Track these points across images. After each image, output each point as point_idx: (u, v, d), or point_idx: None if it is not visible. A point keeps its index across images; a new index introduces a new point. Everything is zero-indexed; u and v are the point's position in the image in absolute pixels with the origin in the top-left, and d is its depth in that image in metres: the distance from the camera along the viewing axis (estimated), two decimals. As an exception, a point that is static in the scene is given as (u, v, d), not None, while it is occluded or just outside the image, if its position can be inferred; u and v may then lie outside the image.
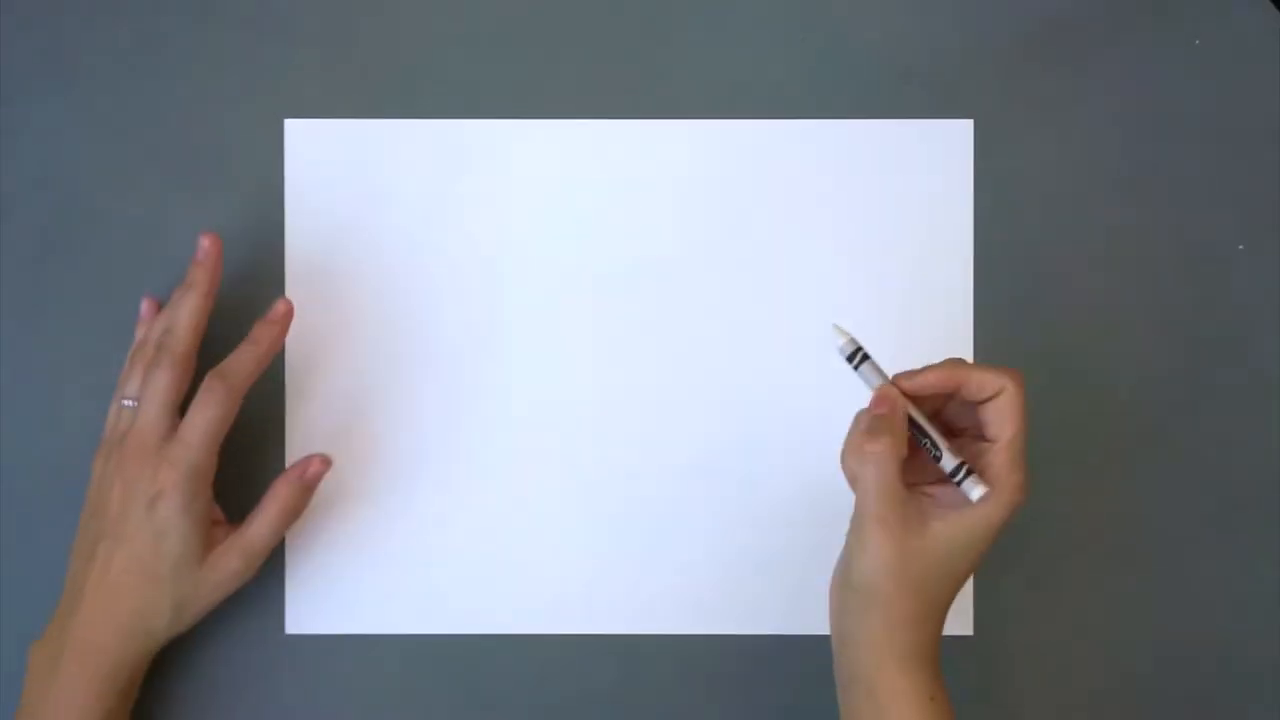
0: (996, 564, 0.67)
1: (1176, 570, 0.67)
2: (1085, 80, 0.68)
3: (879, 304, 0.68)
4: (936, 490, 0.58)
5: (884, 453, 0.56)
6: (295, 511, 0.64)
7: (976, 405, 0.58)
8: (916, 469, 0.58)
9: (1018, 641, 0.67)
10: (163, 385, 0.61)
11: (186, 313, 0.62)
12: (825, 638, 0.67)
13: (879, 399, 0.58)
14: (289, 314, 0.64)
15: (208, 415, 0.61)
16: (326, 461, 0.64)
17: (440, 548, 0.67)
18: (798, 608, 0.67)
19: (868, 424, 0.57)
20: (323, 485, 0.66)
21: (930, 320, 0.67)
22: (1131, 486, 0.68)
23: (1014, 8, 0.68)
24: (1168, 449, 0.68)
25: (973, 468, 0.56)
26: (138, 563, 0.60)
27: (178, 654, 0.66)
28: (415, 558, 0.67)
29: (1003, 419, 0.56)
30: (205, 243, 0.64)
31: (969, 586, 0.67)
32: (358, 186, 0.68)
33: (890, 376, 0.58)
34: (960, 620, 0.67)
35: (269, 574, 0.65)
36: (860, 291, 0.68)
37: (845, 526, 0.68)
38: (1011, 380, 0.56)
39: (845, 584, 0.58)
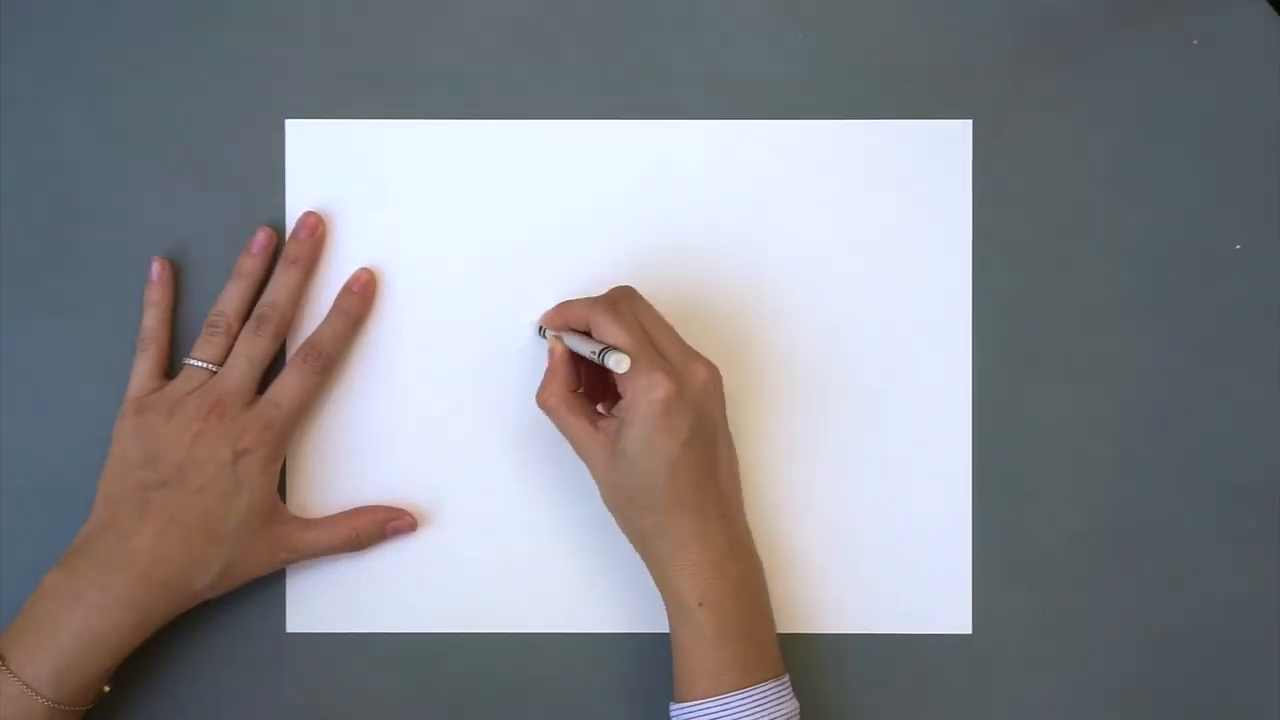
0: (996, 564, 0.67)
1: (1176, 570, 0.67)
2: (1084, 80, 0.68)
3: (879, 304, 0.68)
4: (617, 410, 0.61)
5: (553, 401, 0.63)
6: (361, 545, 0.66)
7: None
8: (612, 393, 0.63)
9: (1017, 641, 0.67)
10: (259, 351, 0.64)
11: (289, 288, 0.65)
12: (825, 636, 0.67)
13: (547, 351, 0.64)
14: (371, 282, 0.67)
15: (305, 382, 0.64)
16: (414, 526, 0.66)
17: (441, 547, 0.67)
18: (797, 607, 0.66)
19: (544, 377, 0.64)
20: (322, 483, 0.66)
21: (930, 320, 0.67)
22: (1131, 486, 0.68)
23: (1014, 8, 0.68)
24: (1168, 449, 0.68)
25: (614, 348, 0.60)
26: (200, 515, 0.62)
27: (178, 652, 0.66)
28: (416, 557, 0.67)
29: (613, 344, 0.60)
30: (311, 221, 0.66)
31: (968, 586, 0.67)
32: (358, 186, 0.68)
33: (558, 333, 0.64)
34: (959, 620, 0.67)
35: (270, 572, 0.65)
36: (860, 291, 0.68)
37: (849, 526, 0.68)
38: (593, 312, 0.61)
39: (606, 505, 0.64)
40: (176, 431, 0.63)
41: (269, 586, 0.66)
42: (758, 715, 0.60)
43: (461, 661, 0.67)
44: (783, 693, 0.61)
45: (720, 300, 0.67)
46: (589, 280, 0.67)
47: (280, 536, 0.64)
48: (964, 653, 0.67)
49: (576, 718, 0.67)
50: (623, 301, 0.62)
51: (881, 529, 0.67)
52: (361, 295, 0.66)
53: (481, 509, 0.67)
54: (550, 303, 0.66)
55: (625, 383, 0.60)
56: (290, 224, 0.67)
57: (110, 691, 0.63)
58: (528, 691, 0.67)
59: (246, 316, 0.65)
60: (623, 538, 0.66)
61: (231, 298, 0.65)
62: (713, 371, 0.61)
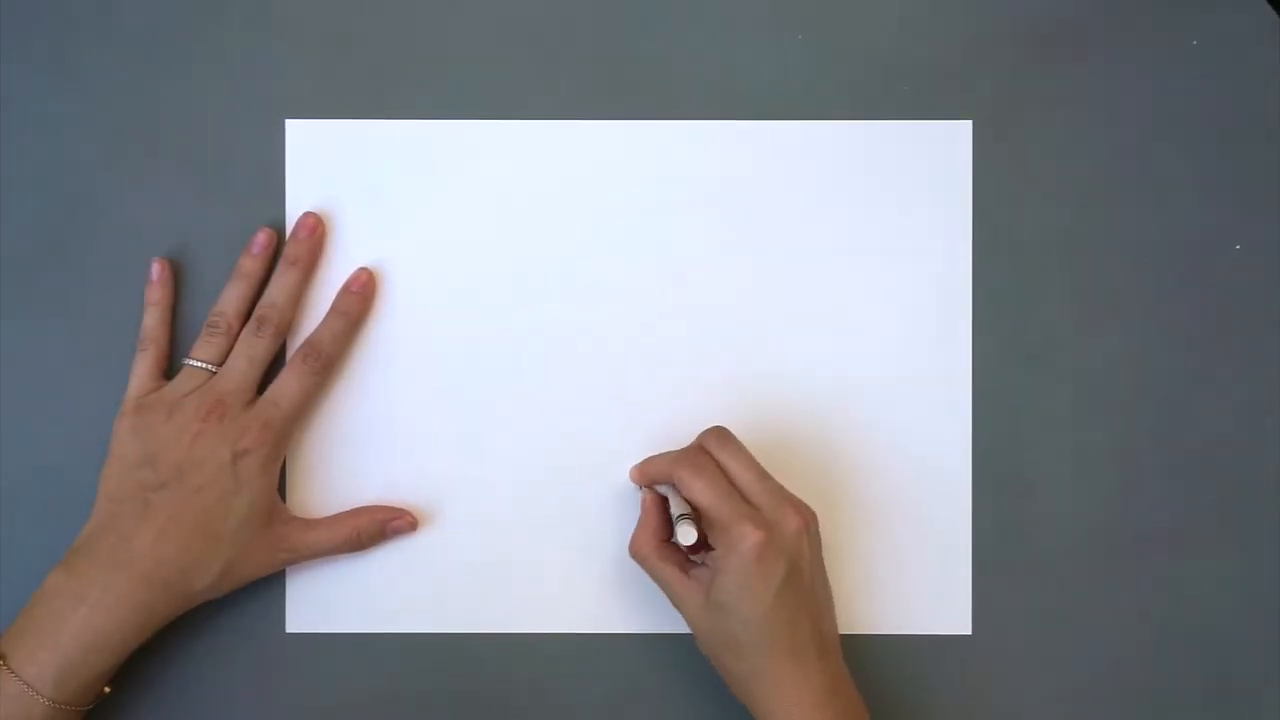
0: (996, 564, 0.67)
1: (1176, 570, 0.67)
2: (1084, 81, 0.68)
3: (879, 304, 0.68)
4: (710, 559, 0.61)
5: (645, 552, 0.63)
6: (361, 545, 0.66)
7: None
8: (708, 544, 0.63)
9: (1017, 641, 0.67)
10: (259, 351, 0.64)
11: (289, 288, 0.66)
12: (825, 637, 0.67)
13: (641, 503, 0.65)
14: (371, 282, 0.67)
15: (305, 383, 0.65)
16: (414, 526, 0.66)
17: (441, 547, 0.67)
18: (797, 607, 0.67)
19: (636, 528, 0.64)
20: (322, 483, 0.66)
21: (930, 320, 0.67)
22: (1131, 486, 0.68)
23: (1013, 8, 0.68)
24: (1168, 449, 0.68)
25: (691, 517, 0.61)
26: (200, 516, 0.62)
27: (178, 652, 0.66)
28: (416, 557, 0.67)
29: (695, 501, 0.61)
30: (310, 221, 0.66)
31: (968, 586, 0.67)
32: (359, 186, 0.68)
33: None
34: (959, 620, 0.67)
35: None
36: (860, 292, 0.68)
37: (852, 526, 0.68)
38: (676, 468, 0.62)
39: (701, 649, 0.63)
40: (176, 432, 0.63)
41: (269, 586, 0.66)
42: None
43: (461, 661, 0.67)
44: None
45: (720, 300, 0.67)
46: (588, 280, 0.67)
47: (280, 537, 0.64)
48: (964, 653, 0.67)
49: (576, 718, 0.67)
50: (704, 453, 0.62)
51: (881, 529, 0.67)
52: (361, 295, 0.66)
53: (481, 509, 0.67)
54: (554, 304, 0.66)
55: (715, 536, 0.60)
56: (290, 224, 0.67)
57: (110, 691, 0.63)
58: (528, 691, 0.67)
59: (247, 317, 0.65)
60: (622, 538, 0.66)
61: (231, 298, 0.65)
62: (805, 516, 0.61)
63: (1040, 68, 0.68)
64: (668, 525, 0.64)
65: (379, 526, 0.66)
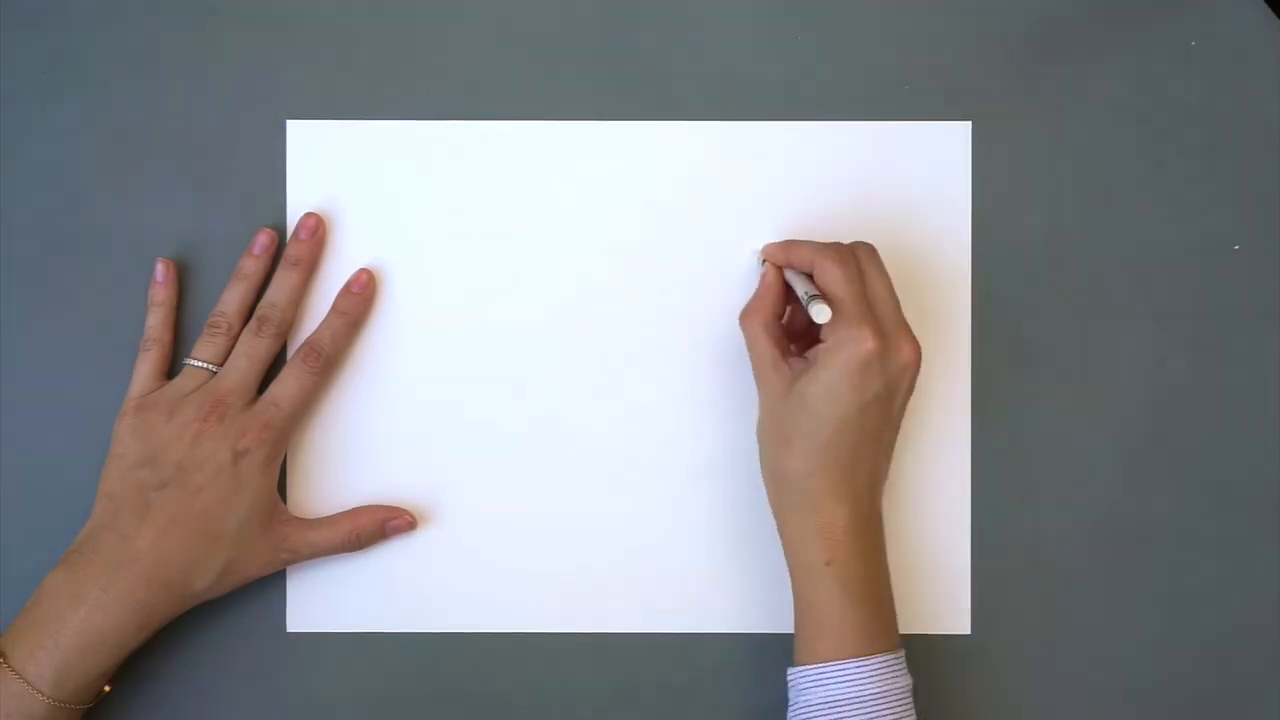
0: (996, 564, 0.67)
1: (1176, 570, 0.67)
2: (1083, 81, 0.68)
3: (879, 304, 0.68)
4: (811, 352, 0.62)
5: (754, 324, 0.63)
6: (360, 545, 0.66)
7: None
8: (810, 338, 0.63)
9: (1017, 641, 0.67)
10: (260, 351, 0.64)
11: (289, 289, 0.66)
12: (825, 637, 0.67)
13: (761, 277, 0.65)
14: (371, 283, 0.67)
15: (305, 383, 0.65)
16: (413, 525, 0.66)
17: (441, 547, 0.67)
18: (797, 607, 0.67)
19: (751, 297, 0.64)
20: (322, 483, 0.67)
21: (930, 320, 0.67)
22: (1131, 486, 0.68)
23: (1013, 9, 0.68)
24: (1168, 449, 0.68)
25: (824, 296, 0.61)
26: (201, 516, 0.62)
27: (178, 652, 0.66)
28: (416, 556, 0.67)
29: (829, 290, 0.61)
30: (311, 222, 0.66)
31: (967, 587, 0.67)
32: (359, 187, 0.68)
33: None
34: (959, 620, 0.67)
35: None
36: (860, 291, 0.68)
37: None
38: (819, 255, 0.62)
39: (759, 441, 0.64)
40: (176, 432, 0.63)
41: (269, 586, 0.66)
42: (876, 684, 0.59)
43: (461, 661, 0.67)
44: (899, 666, 0.61)
45: (720, 300, 0.67)
46: (588, 280, 0.67)
47: (280, 536, 0.64)
48: (963, 653, 0.67)
49: (576, 718, 0.67)
50: (855, 255, 0.62)
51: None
52: (361, 296, 0.66)
53: (481, 509, 0.67)
54: (554, 304, 0.67)
55: (829, 330, 0.60)
56: (291, 224, 0.67)
57: (110, 691, 0.63)
58: (528, 691, 0.67)
59: (247, 318, 0.65)
60: (622, 538, 0.66)
61: (232, 299, 0.65)
62: (917, 352, 0.61)
63: (1040, 68, 0.68)
64: (782, 307, 0.64)
65: (378, 526, 0.66)
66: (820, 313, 0.60)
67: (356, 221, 0.68)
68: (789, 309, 0.65)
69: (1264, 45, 0.68)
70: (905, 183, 0.68)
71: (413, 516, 0.66)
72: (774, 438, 0.62)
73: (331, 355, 0.66)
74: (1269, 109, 0.68)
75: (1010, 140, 0.68)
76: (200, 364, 0.64)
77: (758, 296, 0.64)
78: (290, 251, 0.66)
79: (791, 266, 0.64)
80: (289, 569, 0.67)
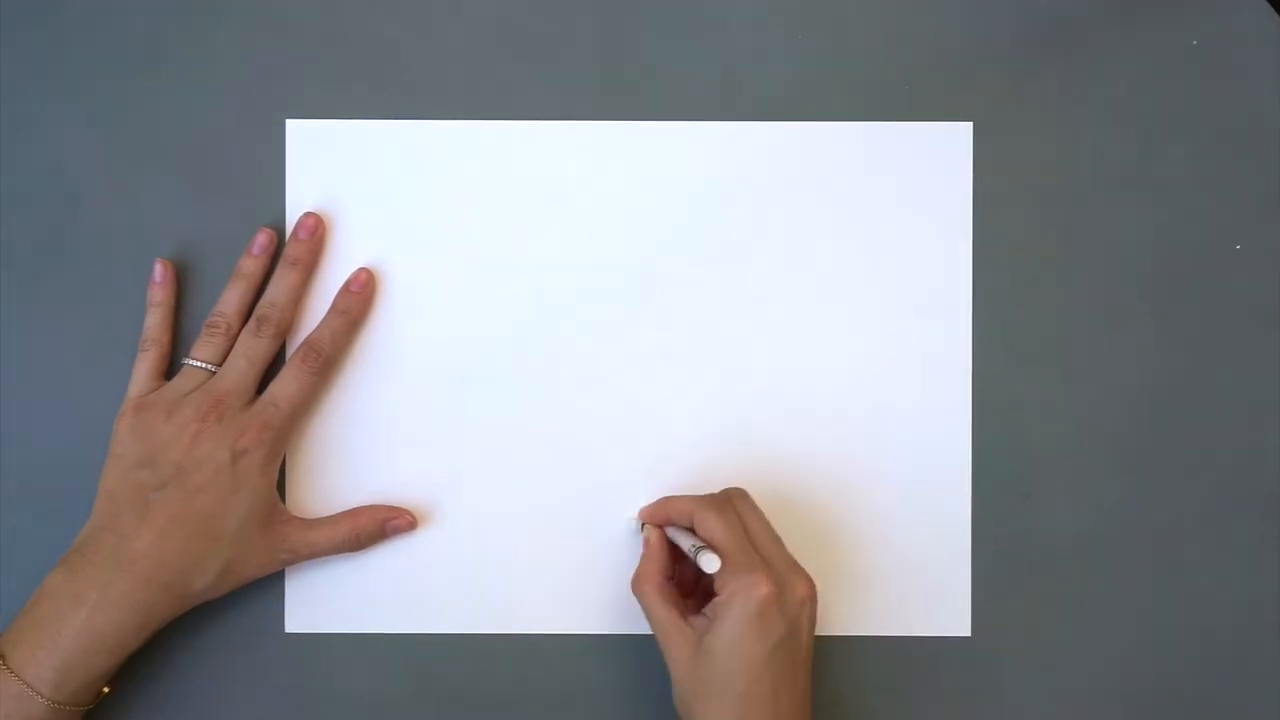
0: (996, 565, 0.67)
1: (1176, 570, 0.67)
2: (1084, 81, 0.68)
3: (879, 305, 0.68)
4: (709, 608, 0.61)
5: (646, 590, 0.62)
6: (360, 545, 0.66)
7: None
8: (703, 590, 0.63)
9: (1016, 641, 0.67)
10: (259, 351, 0.64)
11: (288, 289, 0.66)
12: (824, 638, 0.67)
13: (643, 541, 0.65)
14: (370, 282, 0.67)
15: (304, 382, 0.65)
16: (413, 525, 0.66)
17: (440, 547, 0.67)
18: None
19: (639, 563, 0.63)
20: (321, 483, 0.67)
21: (930, 320, 0.67)
22: (1131, 486, 0.68)
23: (1014, 9, 0.68)
24: (1168, 449, 0.68)
25: (710, 547, 0.60)
26: (200, 516, 0.62)
27: (178, 652, 0.66)
28: (415, 557, 0.67)
29: (713, 541, 0.61)
30: (310, 222, 0.66)
31: (966, 587, 0.67)
32: (359, 187, 0.68)
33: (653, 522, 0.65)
34: (959, 622, 0.67)
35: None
36: (860, 292, 0.68)
37: (849, 528, 0.68)
38: (697, 507, 0.62)
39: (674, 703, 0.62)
40: (175, 432, 0.63)
41: (269, 586, 0.66)
42: None
43: (461, 662, 0.67)
44: None
45: (720, 300, 0.67)
46: (588, 281, 0.67)
47: (280, 537, 0.64)
48: (963, 654, 0.67)
49: (576, 718, 0.67)
50: (730, 502, 0.62)
51: (881, 530, 0.67)
52: (360, 295, 0.66)
53: (481, 509, 0.67)
54: (554, 304, 0.67)
55: (723, 581, 0.60)
56: (290, 224, 0.67)
57: (110, 691, 0.63)
58: (527, 692, 0.67)
59: (247, 317, 0.65)
60: (622, 538, 0.66)
61: (231, 299, 0.65)
62: (811, 588, 0.61)
63: (1040, 68, 0.68)
64: (670, 566, 0.63)
65: (378, 526, 0.66)
66: (709, 562, 0.59)
67: (356, 221, 0.68)
68: (677, 567, 0.64)
69: (1264, 45, 0.68)
70: (905, 183, 0.68)
71: (413, 516, 0.66)
72: (688, 697, 0.60)
73: (331, 355, 0.66)
74: (1269, 109, 0.68)
75: (1010, 140, 0.68)
76: (199, 364, 0.64)
77: (644, 561, 0.63)
78: (289, 251, 0.66)
79: (671, 524, 0.64)
80: (288, 569, 0.67)
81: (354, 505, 0.67)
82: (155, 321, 0.66)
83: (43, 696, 0.59)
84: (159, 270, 0.66)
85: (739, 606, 0.59)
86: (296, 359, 0.65)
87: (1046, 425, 0.68)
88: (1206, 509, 0.68)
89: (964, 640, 0.67)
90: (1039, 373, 0.68)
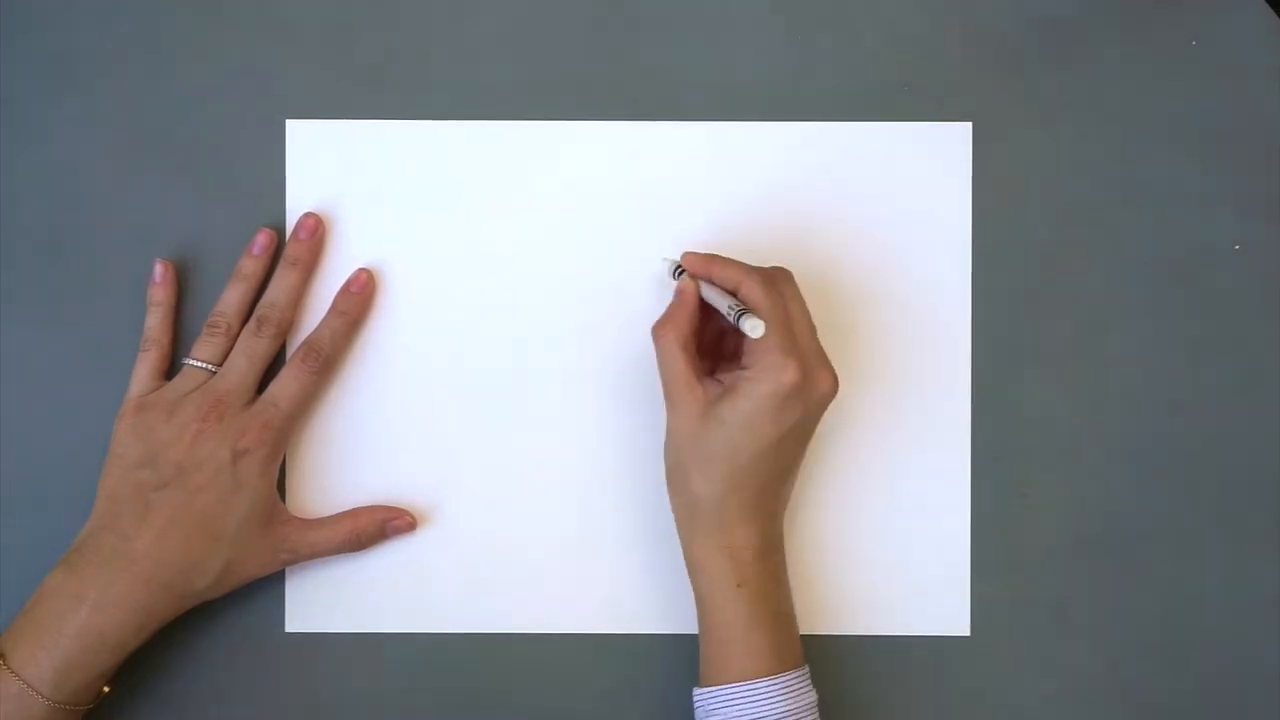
0: (995, 565, 0.67)
1: (1176, 570, 0.67)
2: (1083, 81, 0.68)
3: (879, 305, 0.68)
4: (728, 376, 0.61)
5: (669, 338, 0.61)
6: (360, 545, 0.66)
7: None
8: (727, 358, 0.64)
9: (1016, 642, 0.67)
10: (259, 351, 0.65)
11: (288, 289, 0.66)
12: (823, 638, 0.67)
13: (676, 289, 0.63)
14: (370, 282, 0.67)
15: (304, 382, 0.65)
16: (413, 525, 0.66)
17: (440, 547, 0.67)
18: (798, 607, 0.66)
19: (666, 310, 0.63)
20: (322, 483, 0.67)
21: (930, 321, 0.67)
22: (1131, 486, 0.68)
23: (1014, 10, 0.68)
24: (1168, 449, 0.68)
25: (753, 311, 0.59)
26: (200, 516, 0.62)
27: (178, 652, 0.66)
28: (415, 557, 0.67)
29: (753, 309, 0.60)
30: (310, 222, 0.66)
31: (966, 588, 0.67)
32: (359, 187, 0.68)
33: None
34: (958, 621, 0.67)
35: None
36: (860, 292, 0.68)
37: (852, 527, 0.68)
38: (746, 276, 0.61)
39: (666, 459, 0.63)
40: (176, 432, 0.63)
41: (269, 586, 0.66)
42: (786, 701, 0.60)
43: (462, 661, 0.67)
44: (806, 682, 0.61)
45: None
46: (588, 281, 0.67)
47: (280, 537, 0.64)
48: (962, 654, 0.67)
49: (576, 718, 0.67)
50: (779, 281, 0.62)
51: (880, 530, 0.67)
52: (360, 295, 0.66)
53: (481, 509, 0.67)
54: (553, 304, 0.67)
55: (753, 357, 0.60)
56: (290, 224, 0.67)
57: (110, 691, 0.63)
58: (528, 691, 0.67)
59: (247, 317, 0.65)
60: (622, 538, 0.66)
61: (232, 299, 0.65)
62: (835, 384, 0.61)
63: (1040, 68, 0.68)
64: (698, 322, 0.62)
65: (378, 526, 0.66)
66: (754, 327, 0.58)
67: (356, 221, 0.68)
68: (703, 329, 0.64)
69: (1264, 45, 0.68)
70: (905, 183, 0.68)
71: (413, 517, 0.66)
72: (685, 459, 0.61)
73: (331, 355, 0.66)
74: (1269, 109, 0.68)
75: (1010, 140, 0.68)
76: (199, 364, 0.64)
77: (674, 309, 0.62)
78: (289, 251, 0.66)
79: (712, 281, 0.63)
80: (289, 569, 0.67)
81: (354, 505, 0.67)
82: (155, 321, 0.66)
83: (43, 696, 0.59)
84: (159, 270, 0.66)
85: (765, 385, 0.59)
86: (296, 359, 0.65)
87: (1046, 425, 0.68)
88: (1206, 509, 0.68)
89: (963, 640, 0.67)
90: (1039, 373, 0.68)
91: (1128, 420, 0.68)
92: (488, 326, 0.67)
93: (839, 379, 0.61)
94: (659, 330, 0.62)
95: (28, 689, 0.59)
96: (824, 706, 0.65)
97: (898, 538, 0.67)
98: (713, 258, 0.63)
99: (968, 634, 0.67)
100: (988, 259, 0.68)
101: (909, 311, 0.68)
